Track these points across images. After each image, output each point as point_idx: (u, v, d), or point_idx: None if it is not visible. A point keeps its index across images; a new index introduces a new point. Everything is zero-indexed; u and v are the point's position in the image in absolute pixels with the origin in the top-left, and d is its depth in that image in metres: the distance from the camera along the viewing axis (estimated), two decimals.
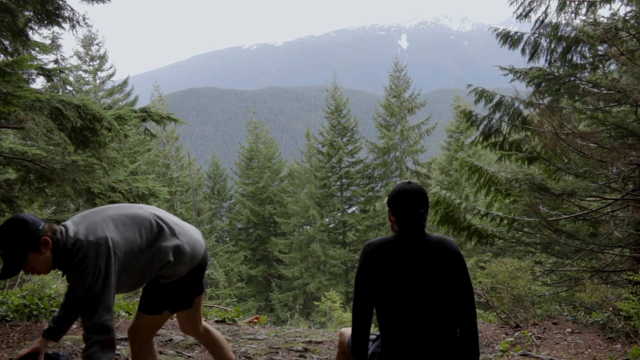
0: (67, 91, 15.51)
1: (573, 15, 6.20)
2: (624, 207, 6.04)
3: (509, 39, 6.91)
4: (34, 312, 4.93)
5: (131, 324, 2.65)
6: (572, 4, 6.10)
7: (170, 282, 2.49)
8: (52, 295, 5.52)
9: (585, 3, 6.05)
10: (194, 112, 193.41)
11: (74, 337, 4.20)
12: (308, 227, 24.39)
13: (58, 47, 14.63)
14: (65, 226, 2.27)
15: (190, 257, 2.49)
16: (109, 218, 2.31)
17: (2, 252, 2.13)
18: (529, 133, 6.75)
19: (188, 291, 2.58)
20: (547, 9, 6.35)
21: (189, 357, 3.84)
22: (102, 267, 2.16)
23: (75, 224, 2.28)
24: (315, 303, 17.25)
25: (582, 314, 5.47)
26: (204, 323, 2.84)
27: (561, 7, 6.16)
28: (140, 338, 2.62)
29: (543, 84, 6.41)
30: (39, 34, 22.30)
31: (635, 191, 5.66)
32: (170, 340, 4.28)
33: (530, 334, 4.69)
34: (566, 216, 6.18)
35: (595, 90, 5.89)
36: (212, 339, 2.86)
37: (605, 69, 6.30)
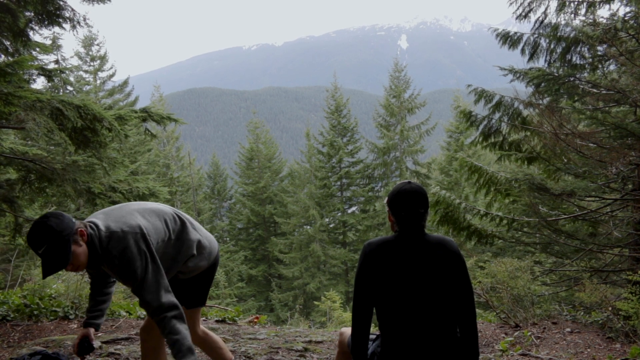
0: (68, 91, 15.50)
1: (572, 15, 6.21)
2: (623, 207, 6.05)
3: (509, 40, 6.92)
4: (35, 312, 4.95)
5: (144, 323, 2.67)
6: (572, 4, 6.11)
7: (189, 278, 2.56)
8: (53, 295, 5.53)
9: (585, 3, 6.06)
10: (194, 112, 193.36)
11: (74, 337, 4.21)
12: (308, 227, 24.39)
13: (59, 47, 14.61)
14: (92, 222, 2.24)
15: (209, 252, 2.59)
16: (134, 211, 2.36)
17: (45, 248, 2.04)
18: (528, 133, 6.75)
19: (204, 287, 2.65)
20: (546, 9, 6.36)
21: None
22: (145, 251, 2.19)
23: (102, 219, 2.25)
24: (315, 303, 17.26)
25: (582, 313, 5.48)
26: (201, 326, 2.83)
27: (561, 7, 6.17)
28: (154, 337, 2.63)
29: (542, 84, 6.41)
30: (40, 35, 22.30)
31: (634, 191, 5.67)
32: None
33: (529, 333, 4.70)
34: (566, 216, 6.19)
35: (595, 90, 5.90)
36: (210, 341, 2.84)
37: (605, 69, 6.31)
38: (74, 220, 2.16)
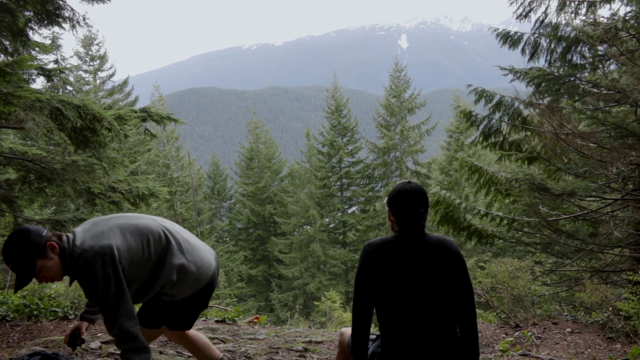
0: (67, 91, 15.51)
1: (573, 15, 6.20)
2: (623, 207, 6.04)
3: (509, 39, 6.91)
4: (34, 312, 4.94)
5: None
6: (572, 4, 6.11)
7: (174, 300, 2.42)
8: (52, 295, 5.53)
9: (585, 3, 6.05)
10: (194, 112, 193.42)
11: None
12: (308, 227, 24.39)
13: (58, 47, 14.63)
14: (73, 233, 2.27)
15: (195, 279, 2.41)
16: (117, 227, 2.29)
17: (12, 264, 2.15)
18: (528, 133, 6.75)
19: (189, 313, 2.52)
20: (547, 9, 6.36)
21: (189, 357, 3.84)
22: (111, 275, 2.14)
23: (83, 231, 2.27)
24: (315, 303, 17.26)
25: (582, 314, 5.48)
26: (191, 331, 2.77)
27: (561, 7, 6.17)
28: (176, 335, 2.63)
29: (543, 84, 6.41)
30: (39, 34, 22.31)
31: (635, 191, 5.66)
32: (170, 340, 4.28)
33: (530, 333, 4.69)
34: (566, 216, 6.18)
35: (595, 90, 5.89)
36: (194, 342, 2.76)
37: (605, 69, 6.30)
38: (43, 233, 2.19)
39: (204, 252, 2.51)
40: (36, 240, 2.15)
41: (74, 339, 2.53)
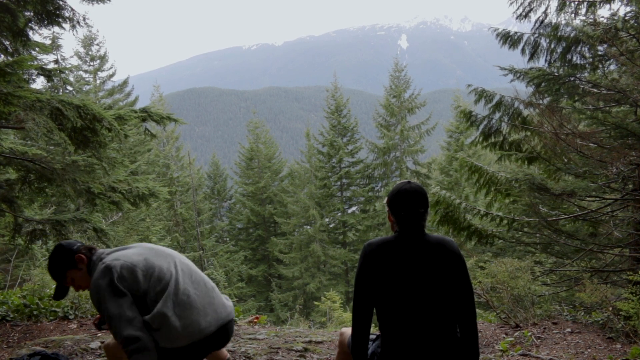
0: (68, 91, 15.50)
1: (573, 15, 6.20)
2: (623, 207, 6.04)
3: (509, 39, 6.91)
4: (35, 312, 4.94)
5: (110, 341, 2.55)
6: (572, 4, 6.11)
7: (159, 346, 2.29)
8: (53, 295, 5.53)
9: (585, 3, 6.05)
10: (194, 112, 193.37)
11: (73, 337, 4.21)
12: (308, 227, 24.39)
13: (58, 47, 14.61)
14: (105, 251, 2.45)
15: (174, 337, 2.27)
16: (137, 253, 2.40)
17: (50, 274, 2.48)
18: (528, 133, 6.75)
19: None
20: (547, 9, 6.36)
21: None
22: (106, 288, 2.23)
23: (111, 250, 2.46)
24: (315, 303, 17.25)
25: (582, 314, 5.48)
26: None
27: (561, 7, 6.16)
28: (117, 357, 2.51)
29: (543, 84, 6.41)
30: (39, 34, 22.31)
31: (635, 191, 5.66)
32: None
33: (530, 333, 4.69)
34: (566, 216, 6.18)
35: (595, 90, 5.89)
36: None
37: (605, 69, 6.30)
38: (74, 247, 2.44)
39: (201, 313, 2.36)
40: (65, 253, 2.42)
41: (102, 322, 2.69)
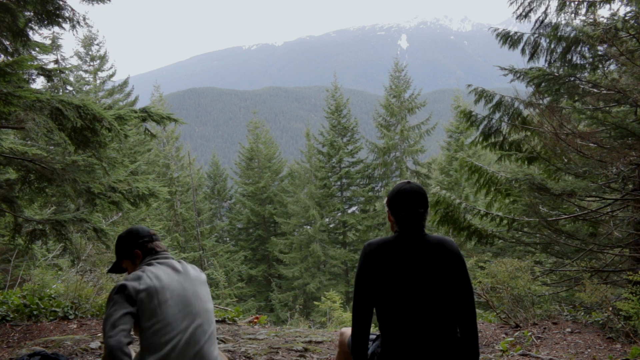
0: (68, 91, 15.49)
1: (573, 15, 6.20)
2: (623, 207, 6.04)
3: (509, 39, 6.91)
4: (34, 312, 4.94)
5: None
6: (572, 4, 6.11)
7: None
8: (52, 295, 5.53)
9: (585, 3, 6.05)
10: (194, 112, 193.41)
11: (73, 337, 4.21)
12: (308, 227, 24.38)
13: (58, 47, 14.58)
14: (159, 256, 2.41)
15: None
16: (169, 290, 2.21)
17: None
18: (528, 133, 6.75)
19: None
20: (547, 9, 6.36)
21: None
22: (114, 297, 2.11)
23: (162, 261, 2.35)
24: (315, 303, 17.26)
25: (582, 313, 5.48)
26: None
27: (561, 7, 6.17)
28: None
29: (543, 84, 6.41)
30: (39, 34, 22.30)
31: (634, 191, 5.66)
32: None
33: (530, 333, 4.69)
34: (566, 216, 6.18)
35: (595, 90, 5.89)
36: None
37: (605, 69, 6.30)
38: (139, 240, 2.40)
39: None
40: (126, 242, 2.42)
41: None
